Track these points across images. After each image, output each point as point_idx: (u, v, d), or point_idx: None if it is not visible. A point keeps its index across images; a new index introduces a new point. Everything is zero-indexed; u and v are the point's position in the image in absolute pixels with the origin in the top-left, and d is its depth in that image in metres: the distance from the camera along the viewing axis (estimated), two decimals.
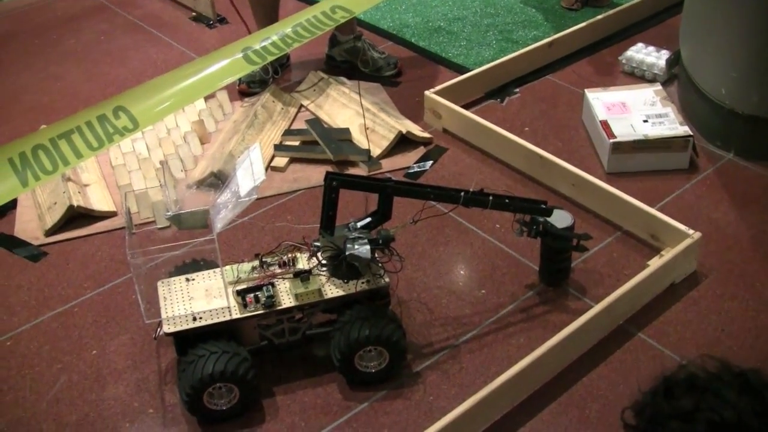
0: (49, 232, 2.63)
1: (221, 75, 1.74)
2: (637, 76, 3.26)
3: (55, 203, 2.68)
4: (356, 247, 1.96)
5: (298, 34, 1.81)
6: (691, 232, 2.32)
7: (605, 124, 2.77)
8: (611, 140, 2.70)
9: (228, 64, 1.73)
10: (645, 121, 2.78)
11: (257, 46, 1.76)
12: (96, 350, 2.22)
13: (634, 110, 2.84)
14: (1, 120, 3.27)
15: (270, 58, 1.75)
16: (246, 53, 1.74)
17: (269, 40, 1.78)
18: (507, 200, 2.15)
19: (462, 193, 2.09)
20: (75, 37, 3.90)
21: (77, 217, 2.66)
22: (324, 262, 2.04)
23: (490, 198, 2.12)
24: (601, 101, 2.89)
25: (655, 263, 2.29)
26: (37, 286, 2.45)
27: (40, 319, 2.34)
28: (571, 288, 2.31)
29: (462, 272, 2.41)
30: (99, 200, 2.73)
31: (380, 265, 2.06)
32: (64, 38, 3.90)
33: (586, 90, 2.97)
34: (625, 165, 2.73)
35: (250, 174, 1.95)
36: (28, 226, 2.68)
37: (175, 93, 1.69)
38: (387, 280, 2.05)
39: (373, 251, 1.99)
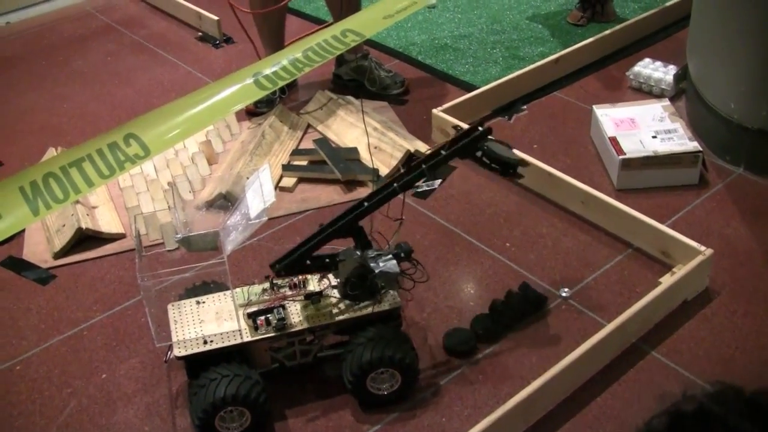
0: (58, 255, 2.63)
1: (232, 101, 1.73)
2: (645, 91, 3.26)
3: (64, 225, 2.67)
4: (381, 264, 1.94)
5: (308, 58, 1.81)
6: (702, 248, 2.31)
7: (614, 141, 2.76)
8: (620, 157, 2.69)
9: (239, 89, 1.73)
10: (654, 136, 2.77)
11: (268, 71, 1.75)
12: (106, 374, 2.21)
13: (643, 126, 2.83)
14: (10, 140, 3.27)
15: (281, 83, 1.75)
16: (257, 78, 1.74)
17: (280, 64, 1.78)
18: (443, 151, 2.04)
19: (395, 184, 2.02)
20: (82, 58, 3.90)
21: (86, 239, 2.65)
22: (335, 283, 2.04)
23: (424, 166, 2.02)
24: (609, 117, 2.89)
25: (667, 280, 2.27)
26: (46, 310, 2.45)
27: (49, 343, 2.33)
28: (583, 306, 2.30)
29: (473, 292, 2.39)
30: (107, 222, 2.72)
31: (408, 276, 2.04)
32: (71, 59, 3.91)
33: (594, 106, 2.97)
34: (635, 181, 2.72)
35: (259, 195, 1.95)
36: (37, 248, 2.67)
37: (186, 119, 1.68)
38: (398, 301, 2.04)
39: (399, 265, 1.98)
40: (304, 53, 1.82)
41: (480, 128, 2.04)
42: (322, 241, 1.97)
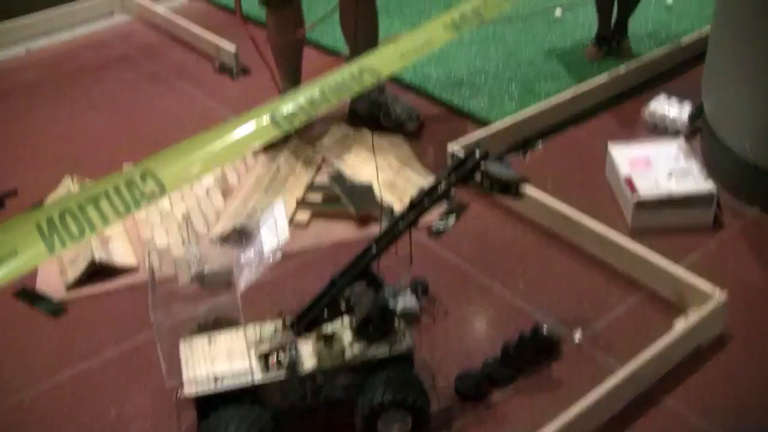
0: (71, 287, 2.63)
1: (249, 140, 1.74)
2: (661, 128, 3.26)
3: (77, 256, 2.68)
4: (401, 301, 1.94)
5: (325, 96, 1.81)
6: (717, 292, 2.30)
7: (629, 181, 2.76)
8: (635, 197, 2.68)
9: (256, 128, 1.74)
10: (669, 176, 2.77)
11: (285, 111, 1.76)
12: (115, 410, 2.21)
13: (658, 165, 2.83)
14: (27, 168, 3.29)
15: (297, 123, 1.75)
16: (274, 117, 1.74)
17: (297, 103, 1.79)
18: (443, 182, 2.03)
19: (400, 222, 2.01)
20: (100, 86, 3.93)
21: (99, 271, 2.66)
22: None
23: (425, 200, 2.00)
24: (624, 156, 2.88)
25: (680, 324, 2.26)
26: (57, 342, 2.45)
27: (59, 377, 2.33)
28: (596, 349, 2.29)
29: (485, 333, 2.39)
30: (121, 254, 2.73)
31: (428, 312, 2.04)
32: (89, 87, 3.93)
33: (609, 144, 2.96)
34: (650, 221, 2.71)
35: (273, 232, 1.95)
36: (50, 279, 2.68)
37: (202, 157, 1.69)
38: (411, 342, 2.03)
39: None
40: (320, 92, 1.82)
41: (476, 153, 2.04)
42: (336, 294, 1.97)
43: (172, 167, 1.70)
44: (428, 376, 2.20)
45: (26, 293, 2.62)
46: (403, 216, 2.01)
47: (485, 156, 2.03)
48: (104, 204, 1.59)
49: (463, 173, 2.02)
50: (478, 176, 2.04)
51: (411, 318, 1.96)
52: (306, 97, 1.84)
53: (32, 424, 2.19)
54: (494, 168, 2.03)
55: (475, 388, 2.17)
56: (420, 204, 2.01)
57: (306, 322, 1.96)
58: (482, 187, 2.07)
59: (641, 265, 2.49)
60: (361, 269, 1.97)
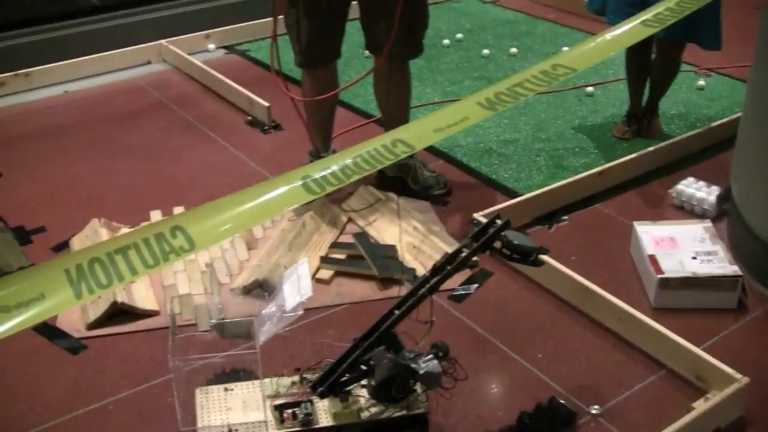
0: (92, 326, 2.65)
1: (280, 203, 1.76)
2: (687, 210, 3.26)
3: (99, 297, 2.70)
4: (423, 364, 1.94)
5: (358, 165, 1.84)
6: (738, 376, 2.28)
7: (653, 259, 2.76)
8: (659, 276, 2.68)
9: (287, 191, 1.76)
10: (694, 258, 2.76)
11: (317, 176, 1.78)
12: None
13: (683, 246, 2.82)
14: (56, 209, 3.33)
15: (329, 189, 1.77)
16: (306, 182, 1.76)
17: (329, 169, 1.81)
18: (465, 249, 2.06)
19: (422, 288, 2.03)
20: (133, 132, 3.99)
21: (120, 312, 2.67)
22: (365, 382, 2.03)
23: (449, 267, 2.03)
24: (649, 235, 2.89)
25: (700, 406, 2.24)
26: (74, 380, 2.45)
27: (74, 414, 2.33)
28: (613, 425, 2.27)
29: (501, 401, 2.37)
30: (142, 298, 2.74)
31: (450, 375, 2.04)
32: (122, 132, 3.99)
33: (634, 222, 2.97)
34: (673, 301, 2.70)
35: (296, 288, 1.96)
36: (71, 317, 2.69)
37: (233, 217, 1.71)
38: (426, 405, 2.03)
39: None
40: (353, 160, 1.84)
41: (498, 221, 2.05)
42: (359, 357, 1.97)
43: (203, 224, 1.72)
44: None
45: (46, 328, 2.64)
46: (425, 281, 2.02)
47: (507, 224, 2.05)
48: (133, 255, 1.60)
49: (484, 240, 2.04)
50: (498, 244, 2.06)
51: (434, 380, 1.95)
52: (339, 165, 1.87)
53: None
54: (514, 236, 2.05)
55: None
56: (442, 269, 2.02)
57: (328, 384, 1.96)
58: (502, 255, 2.09)
59: (662, 344, 2.48)
60: (383, 332, 1.98)
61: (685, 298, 2.70)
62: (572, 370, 2.47)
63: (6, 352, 2.55)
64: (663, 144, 3.59)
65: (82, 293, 1.51)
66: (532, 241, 2.10)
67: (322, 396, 1.98)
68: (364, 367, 1.98)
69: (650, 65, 3.73)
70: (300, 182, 1.78)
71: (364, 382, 2.04)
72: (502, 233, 2.06)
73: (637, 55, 3.67)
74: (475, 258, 2.84)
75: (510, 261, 2.11)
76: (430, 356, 1.95)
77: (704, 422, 2.22)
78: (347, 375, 1.98)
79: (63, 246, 3.07)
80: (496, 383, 2.43)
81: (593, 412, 2.31)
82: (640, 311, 2.56)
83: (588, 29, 4.96)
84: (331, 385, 1.96)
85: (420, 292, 2.01)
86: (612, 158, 3.53)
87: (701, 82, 4.38)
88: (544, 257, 2.76)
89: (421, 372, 1.92)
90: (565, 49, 4.34)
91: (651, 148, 3.54)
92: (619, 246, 3.04)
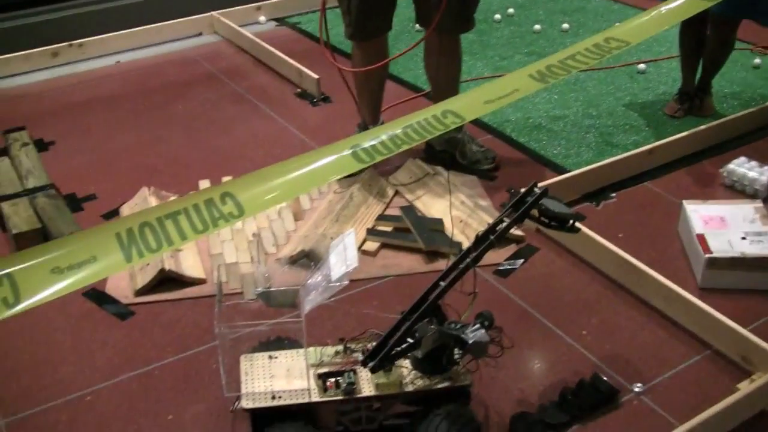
0: (139, 292, 2.69)
1: (329, 171, 1.76)
2: (738, 190, 3.22)
3: (148, 264, 2.73)
4: (471, 334, 1.94)
5: (407, 135, 1.83)
6: None
7: (701, 238, 2.73)
8: (707, 255, 2.65)
9: (336, 160, 1.76)
10: (743, 238, 2.73)
11: (366, 145, 1.78)
12: (172, 415, 2.24)
13: (733, 226, 2.79)
14: (107, 177, 3.37)
15: (378, 158, 1.77)
16: (355, 151, 1.76)
17: (379, 139, 1.81)
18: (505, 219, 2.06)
19: (467, 258, 2.02)
20: (183, 103, 4.02)
21: (167, 280, 2.71)
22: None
23: (491, 237, 2.02)
24: (698, 214, 2.85)
25: (745, 387, 2.22)
26: (121, 345, 2.50)
27: (120, 378, 2.37)
28: (656, 404, 2.26)
29: (543, 377, 2.36)
30: (190, 266, 2.77)
31: (497, 343, 2.04)
32: (172, 103, 4.03)
33: (684, 201, 2.94)
34: (720, 281, 2.67)
35: (342, 259, 1.97)
36: (120, 283, 2.73)
37: (282, 184, 1.72)
38: (469, 377, 2.04)
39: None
40: (403, 130, 1.84)
41: (536, 188, 2.06)
42: (408, 329, 1.98)
43: (252, 191, 1.73)
44: (483, 413, 2.20)
45: (96, 294, 2.68)
46: (468, 251, 2.02)
47: (544, 193, 2.04)
48: (183, 220, 1.62)
49: (524, 209, 2.04)
50: (535, 213, 2.07)
51: (482, 349, 1.95)
52: (389, 135, 1.87)
53: (91, 420, 2.23)
54: (551, 204, 2.05)
55: (529, 430, 2.15)
56: (485, 239, 2.02)
57: (380, 358, 1.97)
58: (540, 223, 2.10)
59: (707, 324, 2.45)
60: (431, 305, 1.98)
61: (733, 279, 2.67)
62: (616, 347, 2.46)
63: (58, 316, 2.61)
64: (715, 123, 3.54)
65: (132, 257, 1.54)
66: (569, 209, 2.09)
67: (373, 370, 1.99)
68: (410, 340, 1.98)
69: (705, 42, 3.67)
70: (349, 151, 1.79)
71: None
72: (540, 201, 2.06)
73: (692, 31, 3.62)
74: (521, 233, 2.85)
75: (548, 228, 2.10)
76: (477, 326, 1.95)
77: (749, 404, 2.21)
78: (396, 348, 1.99)
79: (113, 214, 3.12)
80: (539, 358, 2.43)
81: (636, 390, 2.30)
82: (686, 291, 2.53)
83: (641, 5, 4.89)
84: (382, 359, 1.97)
85: (465, 263, 2.01)
86: (662, 136, 3.49)
87: (757, 60, 4.30)
88: (593, 234, 2.75)
89: (470, 342, 1.92)
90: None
91: (702, 127, 3.50)
92: (667, 225, 3.01)
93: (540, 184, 2.02)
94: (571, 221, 2.08)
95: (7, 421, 2.23)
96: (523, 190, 2.05)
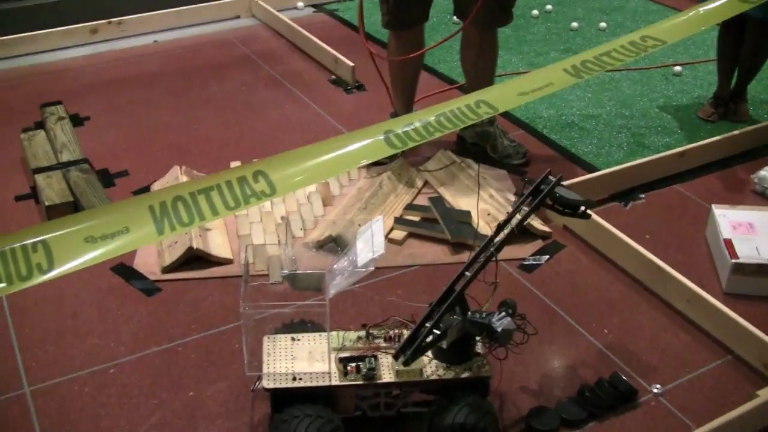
0: (167, 270, 2.72)
1: (361, 154, 1.78)
2: None
3: (176, 242, 2.76)
4: (497, 322, 1.95)
5: (440, 123, 1.84)
6: None
7: (729, 243, 2.72)
8: (733, 260, 2.65)
9: (369, 144, 1.77)
10: None
11: (399, 131, 1.79)
12: (193, 392, 2.27)
13: (761, 233, 2.78)
14: (140, 154, 3.41)
15: (411, 144, 1.78)
16: (388, 136, 1.78)
17: (412, 125, 1.82)
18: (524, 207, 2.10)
19: (491, 248, 2.05)
20: (218, 85, 4.05)
21: (195, 258, 2.74)
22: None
23: (512, 226, 2.07)
24: (727, 219, 2.84)
25: (765, 394, 2.22)
26: (146, 320, 2.53)
27: (144, 353, 2.40)
28: (674, 406, 2.26)
29: (563, 373, 2.37)
30: (218, 246, 2.80)
31: (522, 330, 2.06)
32: (208, 84, 4.06)
33: (713, 205, 2.93)
34: (745, 287, 2.67)
35: (369, 245, 1.99)
36: (148, 260, 2.77)
37: (314, 166, 1.73)
38: (488, 369, 2.05)
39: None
40: (436, 118, 1.85)
41: (550, 177, 2.09)
42: (437, 322, 1.99)
43: (285, 171, 1.75)
44: (501, 406, 2.21)
45: (124, 269, 2.72)
46: (490, 241, 2.04)
47: (559, 180, 2.06)
48: (215, 196, 1.64)
49: (540, 198, 2.06)
50: (548, 200, 2.11)
51: (509, 337, 1.97)
52: (422, 122, 1.88)
53: (114, 392, 2.26)
54: (563, 191, 2.09)
55: (546, 425, 2.16)
56: (504, 227, 2.05)
57: (412, 352, 1.99)
58: (554, 210, 2.14)
59: (730, 329, 2.45)
60: (458, 296, 2.00)
61: (759, 286, 2.66)
62: (637, 347, 2.46)
63: (86, 288, 2.64)
64: (748, 128, 3.52)
65: (165, 229, 1.56)
66: (579, 196, 2.13)
67: (406, 364, 2.01)
68: (436, 331, 2.00)
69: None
70: (382, 136, 1.80)
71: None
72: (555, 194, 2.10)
73: (731, 34, 3.60)
74: (548, 229, 2.86)
75: (561, 215, 2.14)
76: (503, 314, 1.96)
77: (767, 411, 2.20)
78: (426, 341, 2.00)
79: (144, 190, 3.15)
80: (559, 354, 2.44)
81: (655, 391, 2.30)
82: (710, 295, 2.53)
83: (679, 6, 4.86)
84: (414, 352, 1.99)
85: (486, 253, 2.02)
86: (695, 139, 3.48)
87: None
88: (620, 234, 2.75)
89: (499, 330, 1.93)
90: None
91: (735, 132, 3.48)
92: (694, 228, 3.00)
93: (570, 182, 2.04)
94: (583, 207, 2.12)
95: (32, 388, 2.27)
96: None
